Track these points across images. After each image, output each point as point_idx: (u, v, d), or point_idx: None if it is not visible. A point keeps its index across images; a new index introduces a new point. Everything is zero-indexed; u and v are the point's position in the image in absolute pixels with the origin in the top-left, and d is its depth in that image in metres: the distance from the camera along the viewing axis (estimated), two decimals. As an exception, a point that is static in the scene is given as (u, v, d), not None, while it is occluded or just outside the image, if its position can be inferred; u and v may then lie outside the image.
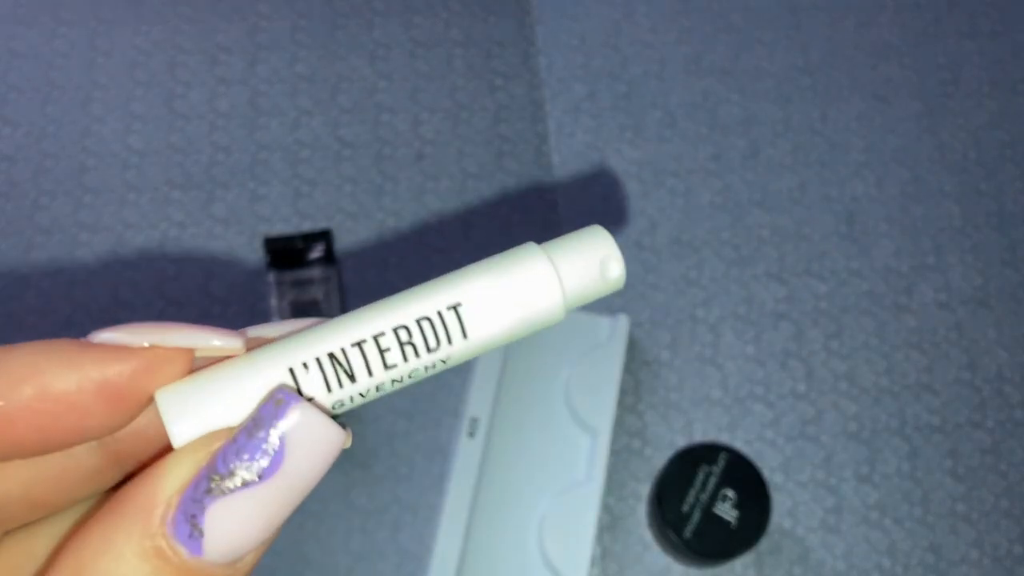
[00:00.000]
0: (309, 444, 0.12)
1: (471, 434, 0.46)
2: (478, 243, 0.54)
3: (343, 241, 0.53)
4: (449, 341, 0.14)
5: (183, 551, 0.12)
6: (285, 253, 0.51)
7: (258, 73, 0.58)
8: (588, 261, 0.14)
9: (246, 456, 0.12)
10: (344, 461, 0.48)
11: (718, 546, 0.44)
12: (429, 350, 0.14)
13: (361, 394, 0.13)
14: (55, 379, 0.12)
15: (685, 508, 0.45)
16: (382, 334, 0.13)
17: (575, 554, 0.44)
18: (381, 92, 0.58)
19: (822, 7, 0.63)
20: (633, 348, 0.51)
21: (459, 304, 0.14)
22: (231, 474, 0.12)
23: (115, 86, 0.57)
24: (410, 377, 0.14)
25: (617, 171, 0.56)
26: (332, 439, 0.12)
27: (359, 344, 0.13)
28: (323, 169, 0.55)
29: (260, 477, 0.12)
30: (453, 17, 0.60)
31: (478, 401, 0.47)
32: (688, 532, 0.44)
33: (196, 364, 0.13)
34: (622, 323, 0.49)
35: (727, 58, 0.60)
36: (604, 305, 0.52)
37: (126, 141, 0.55)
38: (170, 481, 0.12)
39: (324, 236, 0.52)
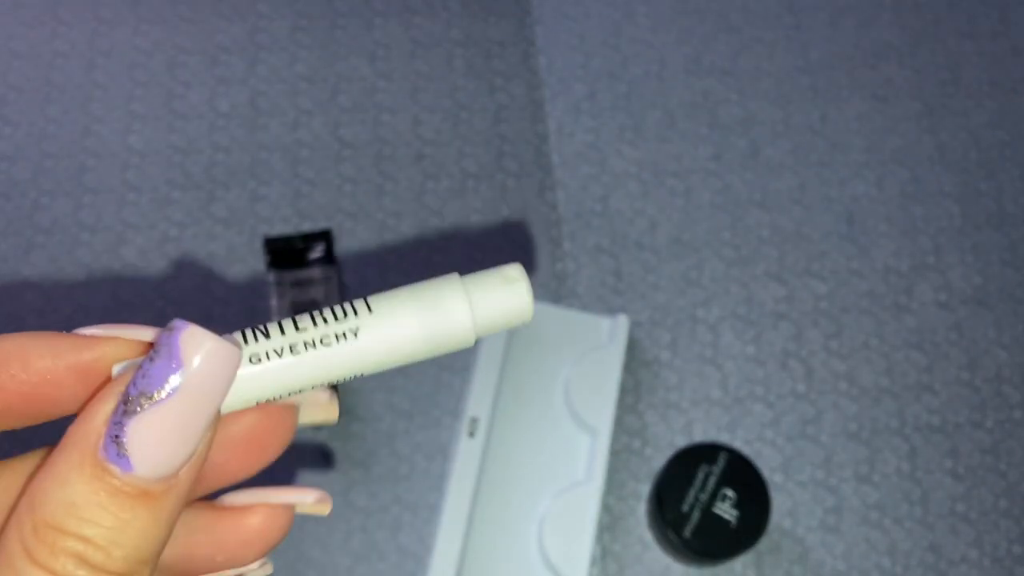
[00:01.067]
0: (203, 357, 0.14)
1: (471, 434, 0.46)
2: (478, 243, 0.54)
3: (343, 241, 0.53)
4: (355, 313, 0.16)
5: (115, 469, 0.14)
6: (285, 253, 0.51)
7: (258, 73, 0.58)
8: (493, 275, 0.17)
9: (151, 378, 0.14)
10: (344, 461, 0.48)
11: (718, 546, 0.44)
12: (336, 319, 0.16)
13: (276, 351, 0.15)
14: (38, 358, 0.15)
15: (685, 508, 0.45)
16: (302, 317, 0.16)
17: (575, 554, 0.44)
18: (381, 92, 0.58)
19: (822, 7, 0.63)
20: (633, 348, 0.51)
21: (369, 296, 0.16)
22: (141, 394, 0.14)
23: (115, 86, 0.57)
24: (323, 343, 0.15)
25: (617, 171, 0.56)
26: (224, 352, 0.14)
27: (279, 321, 0.16)
28: (323, 169, 0.55)
29: (169, 394, 0.14)
30: (453, 17, 0.60)
31: (478, 401, 0.47)
32: (688, 532, 0.44)
33: None
34: (622, 323, 0.49)
35: (727, 58, 0.60)
36: (604, 305, 0.52)
37: (126, 141, 0.55)
38: (99, 412, 0.14)
39: (324, 236, 0.52)
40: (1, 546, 0.14)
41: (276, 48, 0.59)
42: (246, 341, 0.15)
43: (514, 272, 0.17)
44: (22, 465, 0.16)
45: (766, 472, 0.49)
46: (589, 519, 0.45)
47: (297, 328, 0.16)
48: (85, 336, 0.16)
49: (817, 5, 0.63)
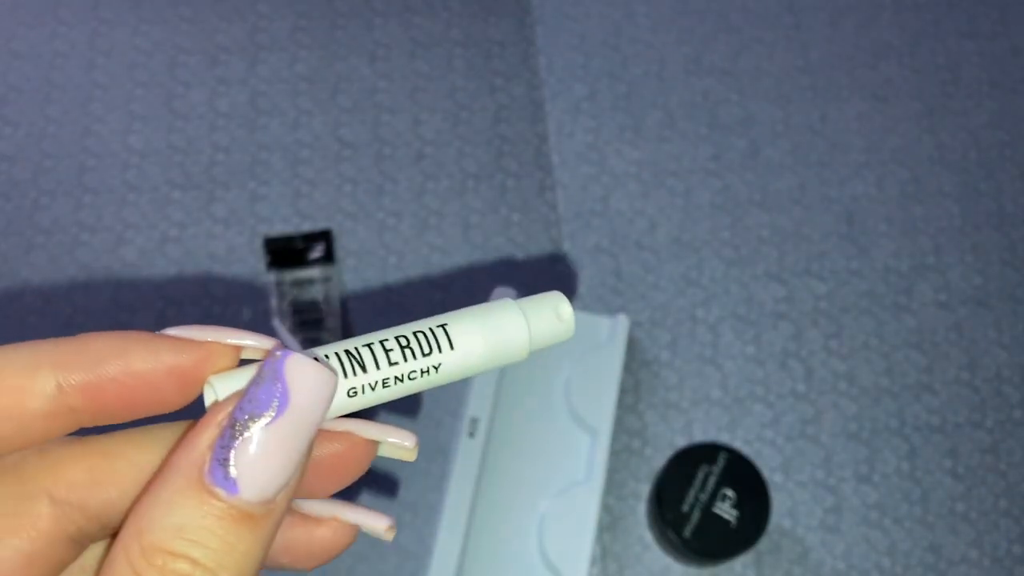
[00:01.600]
0: (307, 383, 0.15)
1: (471, 434, 0.46)
2: (478, 243, 0.54)
3: (343, 241, 0.53)
4: (439, 349, 0.17)
5: (222, 492, 0.14)
6: (285, 253, 0.51)
7: (258, 73, 0.58)
8: (546, 306, 0.19)
9: (258, 402, 0.15)
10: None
11: (718, 546, 0.44)
12: (424, 354, 0.17)
13: (371, 385, 0.17)
14: (137, 360, 0.15)
15: (685, 508, 0.45)
16: (386, 339, 0.17)
17: (575, 554, 0.44)
18: (381, 92, 0.58)
19: (822, 7, 0.63)
20: (633, 348, 0.51)
21: (446, 324, 0.18)
22: (249, 419, 0.15)
23: (115, 86, 0.57)
24: (410, 378, 0.17)
25: (617, 171, 0.56)
26: (325, 378, 0.15)
27: (368, 344, 0.17)
28: (323, 169, 0.55)
29: (273, 417, 0.15)
30: (453, 17, 0.60)
31: (478, 401, 0.47)
32: (688, 532, 0.44)
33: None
34: (622, 323, 0.49)
35: (727, 58, 0.60)
36: (604, 305, 0.52)
37: (126, 141, 0.55)
38: (204, 438, 0.15)
39: (324, 236, 0.52)
40: (110, 570, 0.14)
41: (276, 48, 0.59)
42: (345, 373, 0.16)
43: (566, 312, 0.19)
44: (165, 433, 0.16)
45: (766, 472, 0.49)
46: (589, 519, 0.45)
47: (390, 363, 0.17)
48: (183, 339, 0.16)
49: (817, 5, 0.63)
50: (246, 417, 0.15)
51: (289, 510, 0.18)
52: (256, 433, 0.14)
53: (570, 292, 0.53)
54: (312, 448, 0.16)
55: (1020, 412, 0.52)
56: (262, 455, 0.14)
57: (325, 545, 0.18)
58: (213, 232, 0.53)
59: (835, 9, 0.62)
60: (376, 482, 0.48)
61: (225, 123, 0.56)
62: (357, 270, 0.53)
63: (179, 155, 0.55)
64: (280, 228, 0.53)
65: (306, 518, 0.18)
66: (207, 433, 0.15)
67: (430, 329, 0.17)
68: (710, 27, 0.61)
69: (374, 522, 0.18)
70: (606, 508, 0.48)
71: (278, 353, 0.15)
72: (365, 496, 0.48)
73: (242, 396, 0.15)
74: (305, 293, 0.51)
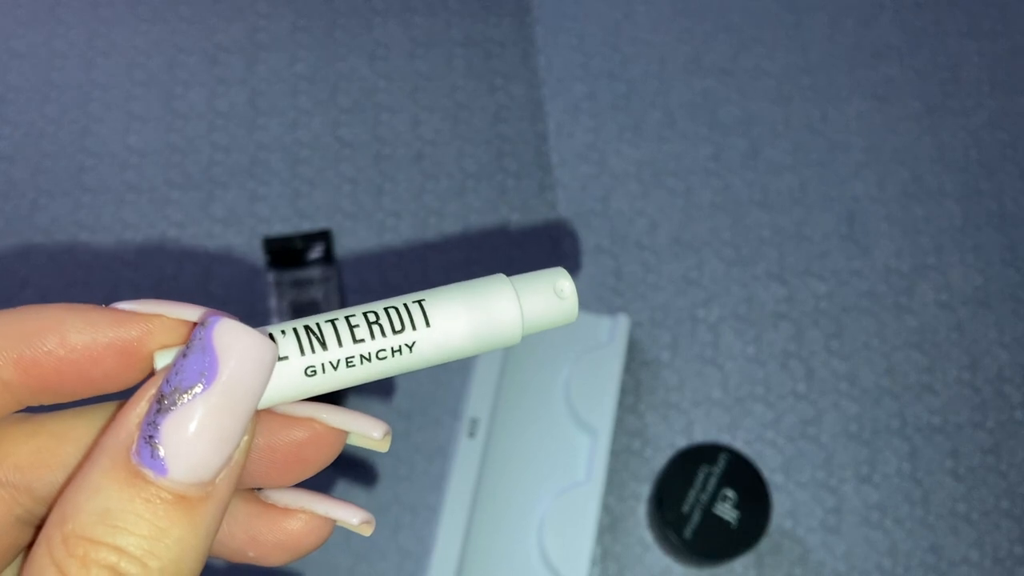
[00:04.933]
0: (238, 352, 0.13)
1: (471, 434, 0.46)
2: (478, 243, 0.54)
3: (343, 241, 0.53)
4: (413, 326, 0.15)
5: (149, 473, 0.13)
6: (284, 253, 0.51)
7: (258, 73, 0.58)
8: (543, 282, 0.17)
9: (185, 374, 0.13)
10: (344, 461, 0.48)
11: (718, 546, 0.44)
12: (395, 331, 0.15)
13: (332, 363, 0.15)
14: (73, 332, 0.14)
15: (685, 508, 0.45)
16: (353, 315, 0.15)
17: (575, 554, 0.44)
18: (381, 92, 0.58)
19: (822, 7, 0.62)
20: (633, 348, 0.51)
21: (423, 299, 0.16)
22: (175, 392, 0.13)
23: (114, 86, 0.57)
24: (379, 357, 0.15)
25: (617, 171, 0.56)
26: (260, 346, 0.14)
27: (332, 320, 0.15)
28: (323, 169, 0.55)
29: (201, 390, 0.13)
30: (453, 17, 0.60)
31: (478, 401, 0.47)
32: (688, 532, 0.44)
33: None
34: (622, 323, 0.49)
35: (727, 58, 0.60)
36: (604, 305, 0.52)
37: (125, 141, 0.55)
38: (132, 415, 0.13)
39: (324, 236, 0.52)
40: (30, 562, 0.13)
41: (276, 48, 0.58)
42: (302, 351, 0.15)
43: (566, 287, 0.17)
44: (97, 413, 0.15)
45: (766, 472, 0.49)
46: (589, 520, 0.45)
47: (355, 339, 0.15)
48: (126, 312, 0.15)
49: (817, 5, 0.62)
50: (172, 390, 0.13)
51: (254, 499, 0.17)
52: (184, 408, 0.13)
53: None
54: (254, 426, 0.14)
55: (1021, 412, 0.52)
56: (192, 432, 0.13)
57: (295, 538, 0.16)
58: (212, 232, 0.53)
59: (835, 9, 0.62)
60: (376, 482, 0.48)
61: (224, 123, 0.56)
62: (357, 270, 0.53)
63: (178, 155, 0.55)
64: (279, 228, 0.53)
65: (273, 508, 0.17)
66: (135, 409, 0.13)
67: (404, 305, 0.16)
68: (710, 27, 0.61)
69: (349, 516, 0.17)
70: (606, 509, 0.48)
71: (207, 320, 0.14)
72: (364, 496, 0.47)
73: (169, 368, 0.14)
74: (304, 293, 0.50)
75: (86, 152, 0.55)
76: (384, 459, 0.48)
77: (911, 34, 0.62)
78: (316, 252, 0.51)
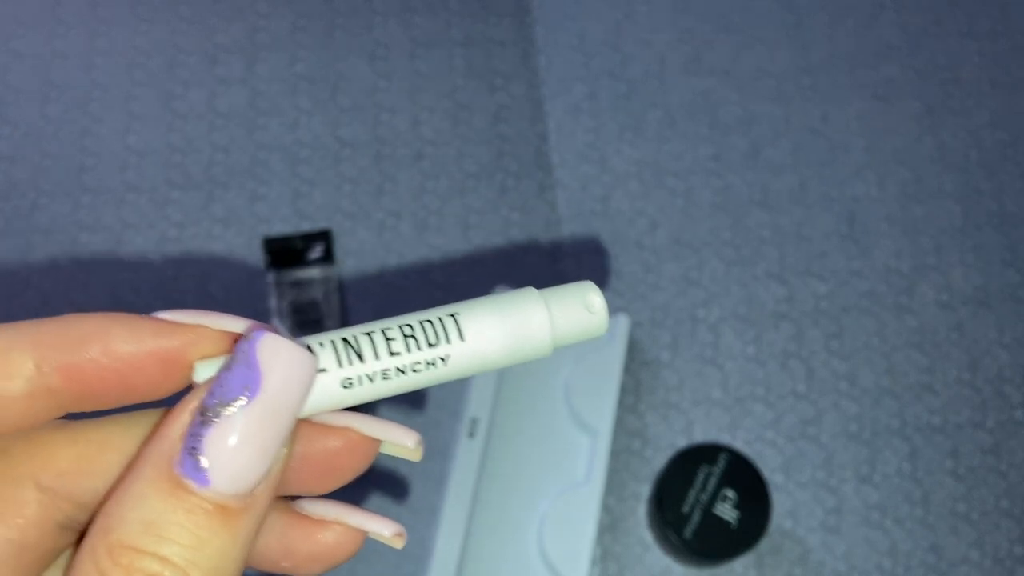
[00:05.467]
0: (281, 366, 0.14)
1: (471, 434, 0.46)
2: (478, 243, 0.54)
3: (343, 241, 0.53)
4: (447, 340, 0.16)
5: (192, 484, 0.13)
6: (284, 253, 0.51)
7: (258, 73, 0.58)
8: (573, 296, 0.17)
9: (229, 387, 0.14)
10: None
11: (718, 547, 0.44)
12: (430, 345, 0.16)
13: (369, 376, 0.15)
14: (118, 342, 0.15)
15: (685, 508, 0.45)
16: (389, 328, 0.16)
17: (575, 554, 0.44)
18: (381, 92, 0.58)
19: (822, 7, 0.62)
20: (633, 348, 0.51)
21: (457, 313, 0.16)
22: (219, 405, 0.14)
23: (114, 86, 0.57)
24: (414, 370, 0.16)
25: (617, 171, 0.56)
26: (302, 360, 0.14)
27: (368, 333, 0.16)
28: (323, 169, 0.55)
29: (245, 403, 0.14)
30: (453, 17, 0.60)
31: (478, 401, 0.47)
32: (688, 532, 0.44)
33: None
34: (622, 323, 0.49)
35: (727, 58, 0.60)
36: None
37: (125, 141, 0.55)
38: (176, 426, 0.14)
39: (324, 236, 0.52)
40: (75, 571, 0.13)
41: (276, 48, 0.58)
42: (340, 363, 0.15)
43: (596, 302, 0.17)
44: (154, 420, 0.16)
45: (766, 473, 0.49)
46: (589, 520, 0.45)
47: (391, 352, 0.16)
48: (169, 322, 0.15)
49: (817, 5, 0.62)
50: (216, 403, 0.14)
51: (289, 510, 0.17)
52: (227, 420, 0.13)
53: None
54: (293, 437, 0.15)
55: (1021, 412, 0.52)
56: (234, 444, 0.13)
57: (329, 550, 0.17)
58: (212, 232, 0.53)
59: (835, 9, 0.62)
60: (376, 482, 0.48)
61: (224, 123, 0.56)
62: (357, 270, 0.53)
63: (178, 155, 0.55)
64: (279, 228, 0.53)
65: (307, 520, 0.17)
66: (179, 421, 0.14)
67: (439, 318, 0.16)
68: (710, 27, 0.61)
69: (382, 528, 0.17)
70: (606, 509, 0.48)
71: (251, 334, 0.14)
72: (364, 497, 0.47)
73: (213, 381, 0.14)
74: (304, 293, 0.50)
75: (86, 152, 0.55)
76: (384, 459, 0.48)
77: (911, 34, 0.62)
78: (316, 252, 0.51)
